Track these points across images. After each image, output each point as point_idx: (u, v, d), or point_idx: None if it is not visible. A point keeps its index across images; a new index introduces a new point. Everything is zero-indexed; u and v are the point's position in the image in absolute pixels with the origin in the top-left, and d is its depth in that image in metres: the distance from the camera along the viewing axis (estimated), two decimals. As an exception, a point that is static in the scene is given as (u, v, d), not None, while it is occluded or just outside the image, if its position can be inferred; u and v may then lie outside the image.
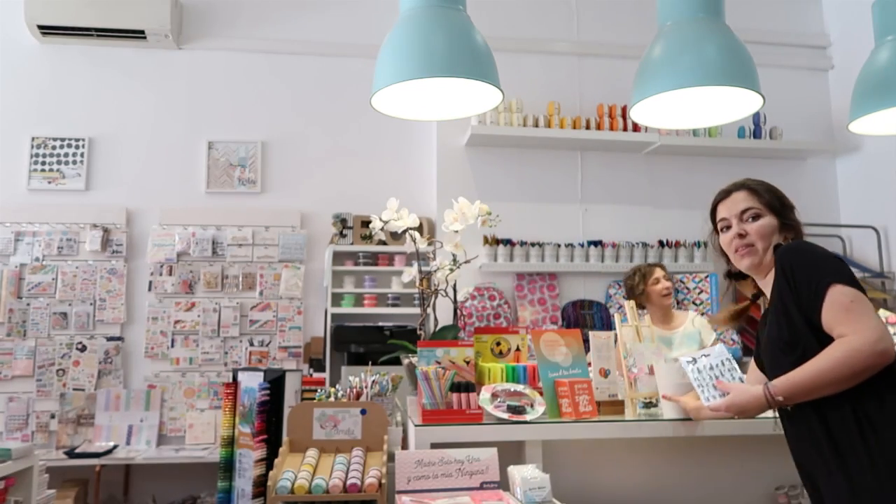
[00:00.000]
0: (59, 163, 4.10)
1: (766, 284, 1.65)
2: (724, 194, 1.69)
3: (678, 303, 4.26)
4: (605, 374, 2.05)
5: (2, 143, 4.09)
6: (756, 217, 1.62)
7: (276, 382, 1.87)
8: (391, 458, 1.72)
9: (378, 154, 4.37)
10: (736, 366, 1.70)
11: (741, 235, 1.62)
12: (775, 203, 1.66)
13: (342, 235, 4.15)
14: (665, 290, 3.28)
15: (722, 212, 1.68)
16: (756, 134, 4.43)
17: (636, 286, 3.34)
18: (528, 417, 1.87)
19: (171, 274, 4.06)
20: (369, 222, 2.35)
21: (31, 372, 3.88)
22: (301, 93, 4.37)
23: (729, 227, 1.66)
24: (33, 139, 4.10)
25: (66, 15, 3.99)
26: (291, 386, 1.94)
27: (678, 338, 3.21)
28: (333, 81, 4.36)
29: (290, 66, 4.35)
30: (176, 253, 4.07)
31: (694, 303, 4.22)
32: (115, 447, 3.68)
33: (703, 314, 3.81)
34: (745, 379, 1.69)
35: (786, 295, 1.52)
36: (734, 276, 1.78)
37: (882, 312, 2.33)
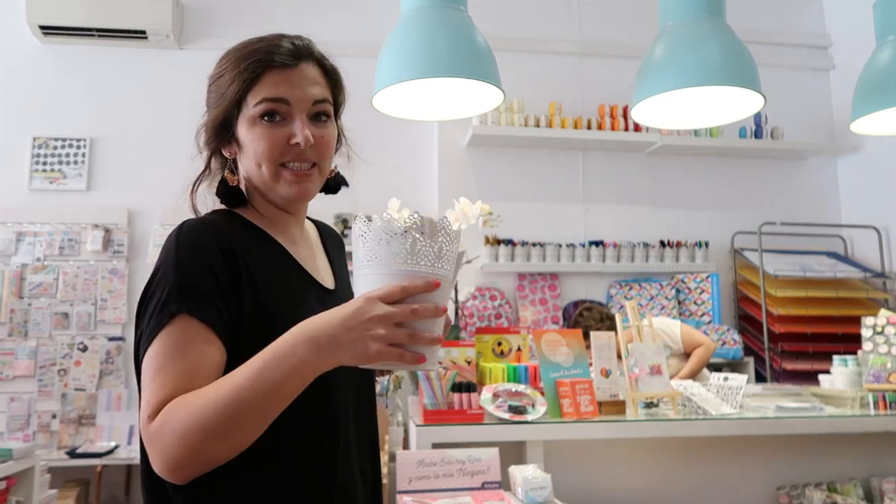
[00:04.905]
0: (60, 163, 4.10)
1: (295, 227, 1.06)
2: (288, 58, 0.96)
3: (679, 303, 4.26)
4: (606, 374, 2.05)
5: (3, 144, 4.09)
6: (326, 119, 1.01)
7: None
8: (392, 458, 1.72)
9: (379, 154, 4.36)
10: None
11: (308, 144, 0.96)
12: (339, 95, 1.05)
13: (343, 235, 4.15)
14: None
15: (280, 87, 0.95)
16: (757, 134, 4.42)
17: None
18: (529, 417, 1.87)
19: (172, 274, 4.06)
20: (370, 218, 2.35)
21: (33, 372, 3.88)
22: (302, 93, 4.36)
23: (281, 118, 0.95)
24: (34, 139, 4.10)
25: (67, 15, 3.99)
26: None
27: None
28: (334, 81, 4.36)
29: (291, 67, 4.35)
30: (177, 253, 4.06)
31: (695, 303, 4.22)
32: (116, 447, 3.68)
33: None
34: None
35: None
36: (231, 199, 1.02)
37: (883, 312, 2.33)
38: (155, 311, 0.85)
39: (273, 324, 0.85)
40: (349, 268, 1.01)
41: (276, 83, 0.95)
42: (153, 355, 0.83)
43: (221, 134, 0.99)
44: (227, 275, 0.89)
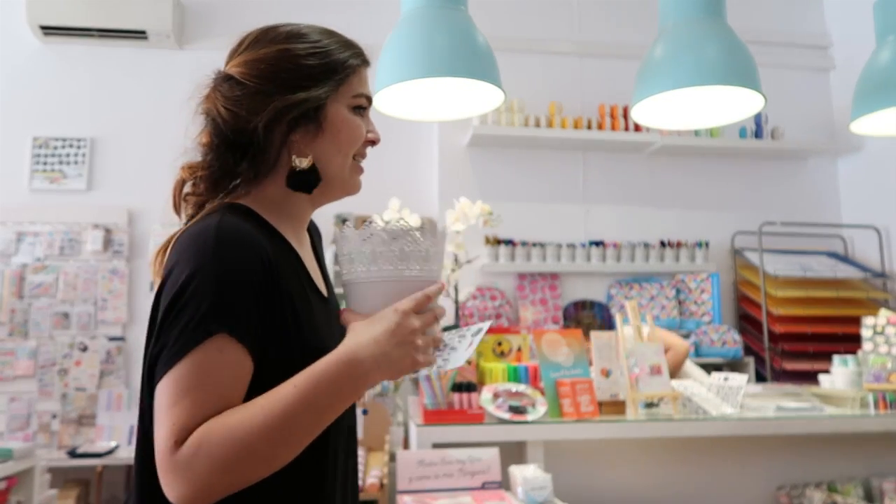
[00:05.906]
0: (60, 163, 4.10)
1: (304, 226, 1.03)
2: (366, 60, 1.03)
3: (679, 303, 4.26)
4: (606, 374, 2.05)
5: (3, 144, 4.09)
6: None
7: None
8: (392, 458, 1.72)
9: (379, 154, 4.33)
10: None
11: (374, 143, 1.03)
12: None
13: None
14: None
15: (366, 86, 1.01)
16: (758, 134, 4.42)
17: None
18: (529, 417, 1.87)
19: (172, 274, 4.06)
20: (371, 222, 2.35)
21: (33, 372, 3.88)
22: (302, 93, 4.36)
23: (364, 112, 1.00)
24: (35, 139, 4.10)
25: (67, 15, 3.99)
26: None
27: None
28: (335, 81, 4.36)
29: (291, 67, 4.34)
30: (177, 253, 4.06)
31: (695, 303, 4.22)
32: (116, 447, 3.68)
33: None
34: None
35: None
36: (303, 185, 0.94)
37: (883, 312, 2.33)
38: (189, 325, 0.77)
39: (295, 340, 0.85)
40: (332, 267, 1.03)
41: (364, 81, 1.00)
42: (182, 374, 0.75)
43: (312, 111, 0.93)
44: (263, 289, 0.82)
